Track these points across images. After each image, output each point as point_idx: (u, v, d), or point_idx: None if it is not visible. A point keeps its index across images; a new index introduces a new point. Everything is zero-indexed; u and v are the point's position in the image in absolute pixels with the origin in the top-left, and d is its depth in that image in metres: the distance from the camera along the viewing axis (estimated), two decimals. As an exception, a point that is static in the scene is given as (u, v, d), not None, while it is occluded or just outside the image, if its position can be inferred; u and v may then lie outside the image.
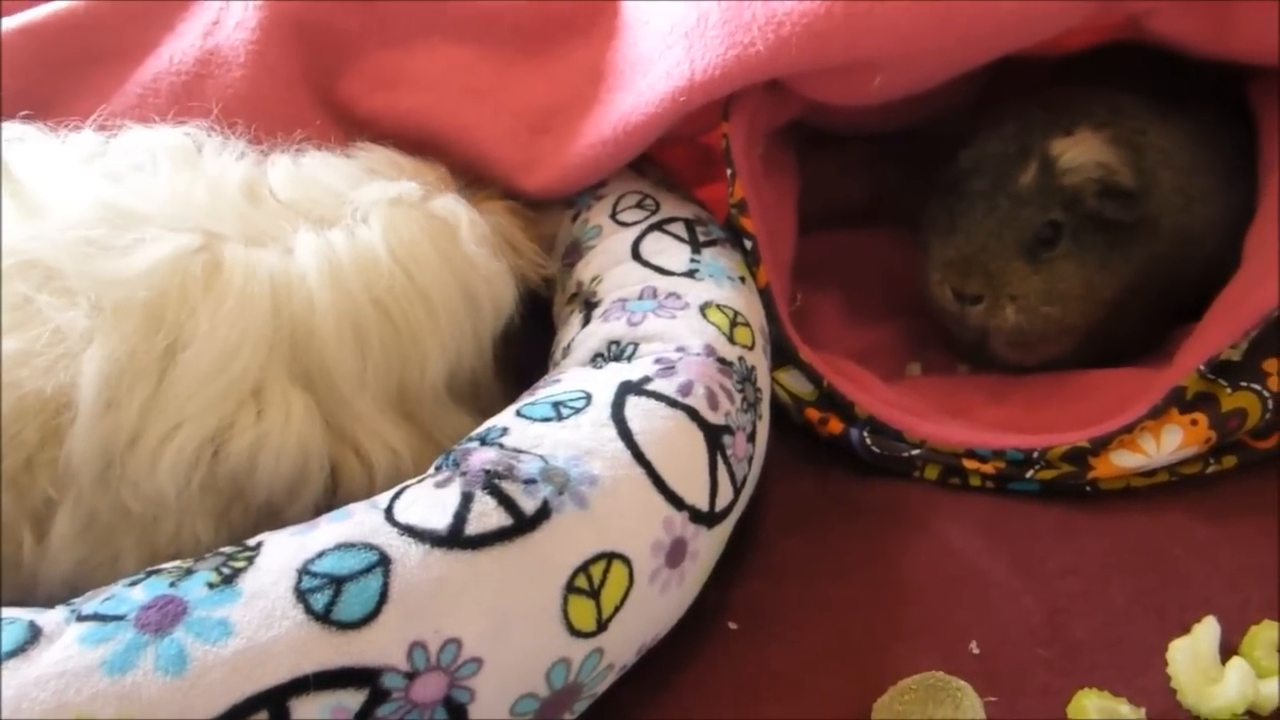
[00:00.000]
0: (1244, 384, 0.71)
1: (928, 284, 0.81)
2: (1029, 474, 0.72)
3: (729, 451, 0.62)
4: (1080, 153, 0.76)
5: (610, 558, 0.54)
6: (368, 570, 0.49)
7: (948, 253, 0.79)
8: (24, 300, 0.56)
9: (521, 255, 0.75)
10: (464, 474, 0.54)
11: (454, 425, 0.67)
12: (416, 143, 0.79)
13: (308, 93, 0.84)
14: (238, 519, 0.60)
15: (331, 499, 0.62)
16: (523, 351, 0.77)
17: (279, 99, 0.81)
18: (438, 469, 0.56)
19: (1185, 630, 0.62)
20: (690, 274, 0.72)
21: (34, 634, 0.47)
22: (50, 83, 0.74)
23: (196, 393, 0.57)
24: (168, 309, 0.57)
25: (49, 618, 0.48)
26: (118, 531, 0.58)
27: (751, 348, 0.68)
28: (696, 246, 0.75)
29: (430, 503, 0.53)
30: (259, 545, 0.52)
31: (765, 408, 0.69)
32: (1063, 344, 0.80)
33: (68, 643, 0.46)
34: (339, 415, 0.62)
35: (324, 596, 0.48)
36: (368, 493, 0.59)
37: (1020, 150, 0.78)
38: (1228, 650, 0.61)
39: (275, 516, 0.61)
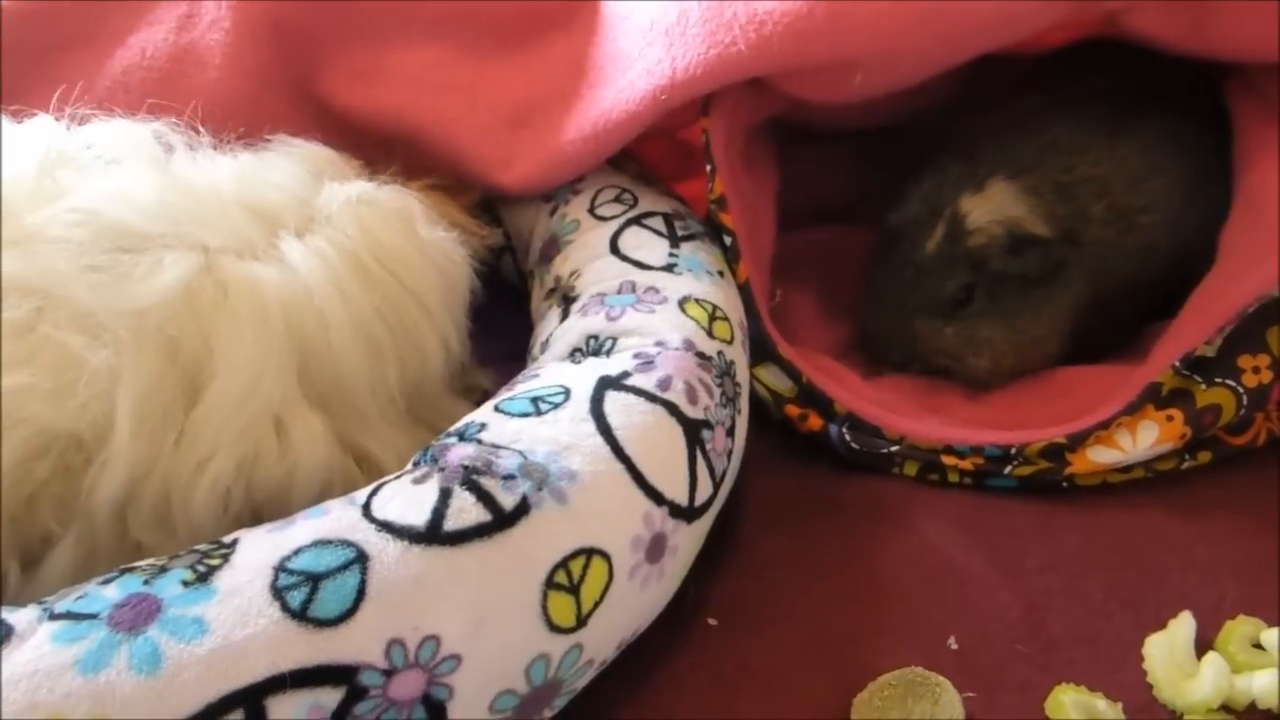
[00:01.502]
0: (1219, 380, 0.72)
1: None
2: (1007, 470, 0.73)
3: (708, 446, 0.61)
4: (986, 211, 0.77)
5: (590, 553, 0.54)
6: (345, 567, 0.49)
7: (868, 323, 0.82)
8: (41, 335, 0.54)
9: (464, 229, 0.74)
10: (442, 470, 0.54)
11: (455, 414, 0.65)
12: (395, 137, 0.79)
13: (285, 92, 0.83)
14: None
15: None
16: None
17: (255, 99, 0.80)
18: (416, 465, 0.56)
19: (1161, 625, 0.62)
20: (669, 268, 0.72)
21: (6, 632, 0.46)
22: (14, 70, 0.72)
23: (225, 425, 0.56)
24: (184, 338, 0.56)
25: (21, 616, 0.47)
26: (116, 565, 0.56)
27: (730, 342, 0.68)
28: (675, 241, 0.75)
29: (408, 499, 0.52)
30: (234, 543, 0.51)
31: (744, 402, 0.69)
32: (1025, 365, 0.80)
33: (40, 641, 0.45)
34: (351, 429, 0.62)
35: (301, 594, 0.48)
36: None
37: (929, 214, 0.79)
38: (1203, 645, 0.61)
39: None
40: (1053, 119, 0.82)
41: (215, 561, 0.49)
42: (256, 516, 0.59)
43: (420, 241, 0.66)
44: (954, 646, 0.62)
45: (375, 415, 0.62)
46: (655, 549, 0.57)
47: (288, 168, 0.67)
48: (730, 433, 0.65)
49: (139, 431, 0.54)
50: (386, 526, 0.51)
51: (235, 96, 0.79)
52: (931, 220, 0.79)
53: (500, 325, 0.78)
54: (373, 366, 0.62)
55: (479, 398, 0.70)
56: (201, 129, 0.67)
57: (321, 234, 0.63)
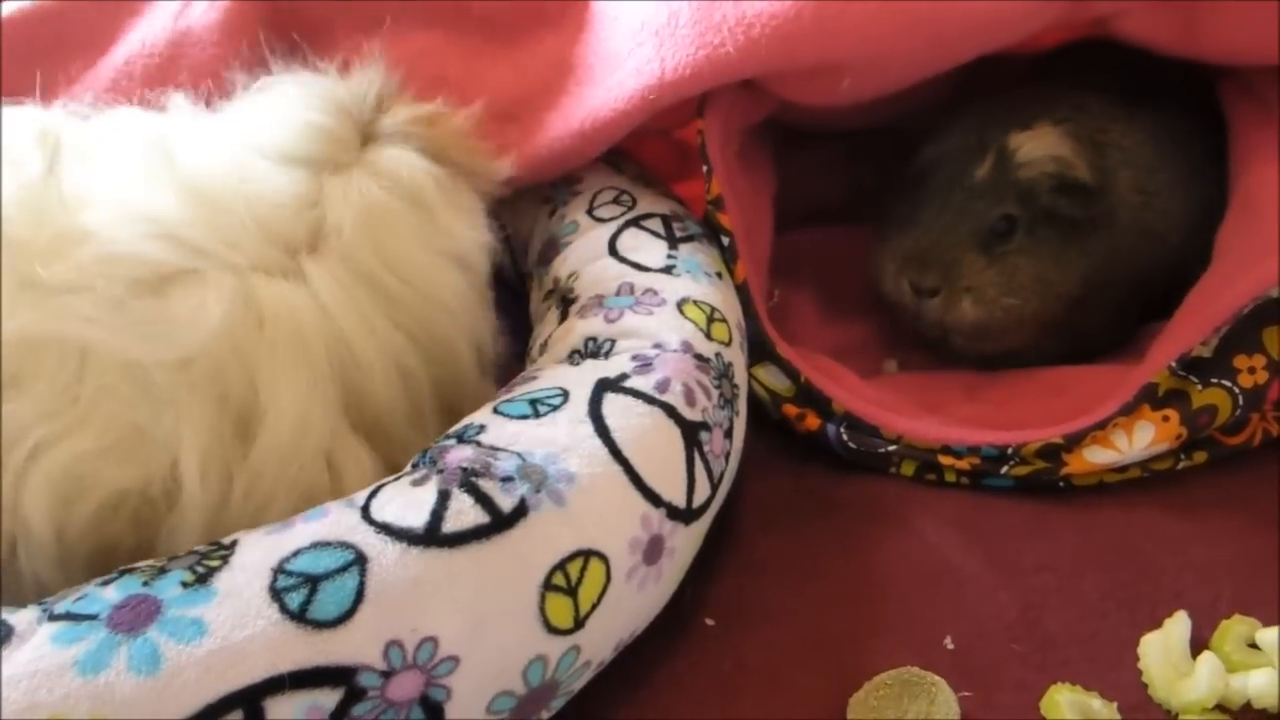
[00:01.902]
0: (1214, 380, 0.72)
1: (884, 278, 0.82)
2: (1004, 470, 0.73)
3: (706, 448, 0.62)
4: (1036, 146, 0.77)
5: (587, 555, 0.54)
6: (344, 569, 0.49)
7: (905, 245, 0.80)
8: (90, 393, 0.51)
9: (477, 174, 0.70)
10: (441, 472, 0.54)
11: (490, 397, 0.64)
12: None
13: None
14: None
15: None
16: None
17: (252, 74, 0.80)
18: (414, 466, 0.56)
19: (1157, 625, 0.62)
20: (667, 270, 0.72)
21: (6, 633, 0.46)
22: (24, 79, 0.73)
23: (281, 472, 0.55)
24: (230, 378, 0.54)
25: (21, 617, 0.47)
26: None
27: (729, 344, 0.68)
28: (673, 242, 0.75)
29: (407, 501, 0.52)
30: (234, 544, 0.51)
31: (742, 404, 0.69)
32: (1021, 333, 0.80)
33: (40, 642, 0.45)
34: (393, 454, 0.60)
35: (299, 595, 0.48)
36: None
37: (979, 144, 0.79)
38: (1199, 645, 0.61)
39: None
40: (1077, 90, 0.83)
41: (214, 563, 0.50)
42: None
43: (433, 238, 0.63)
44: (950, 646, 0.63)
45: (416, 436, 0.61)
46: (653, 551, 0.57)
47: (288, 150, 0.62)
48: (728, 434, 0.65)
49: (206, 485, 0.53)
50: (385, 528, 0.51)
51: (232, 73, 0.79)
52: (980, 150, 0.78)
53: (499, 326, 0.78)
54: (406, 394, 0.61)
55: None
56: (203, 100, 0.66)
57: (334, 254, 0.59)
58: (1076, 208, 0.77)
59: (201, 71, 0.78)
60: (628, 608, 0.57)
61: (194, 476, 0.53)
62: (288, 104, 0.64)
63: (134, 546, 0.54)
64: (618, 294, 0.70)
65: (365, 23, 0.86)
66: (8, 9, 0.86)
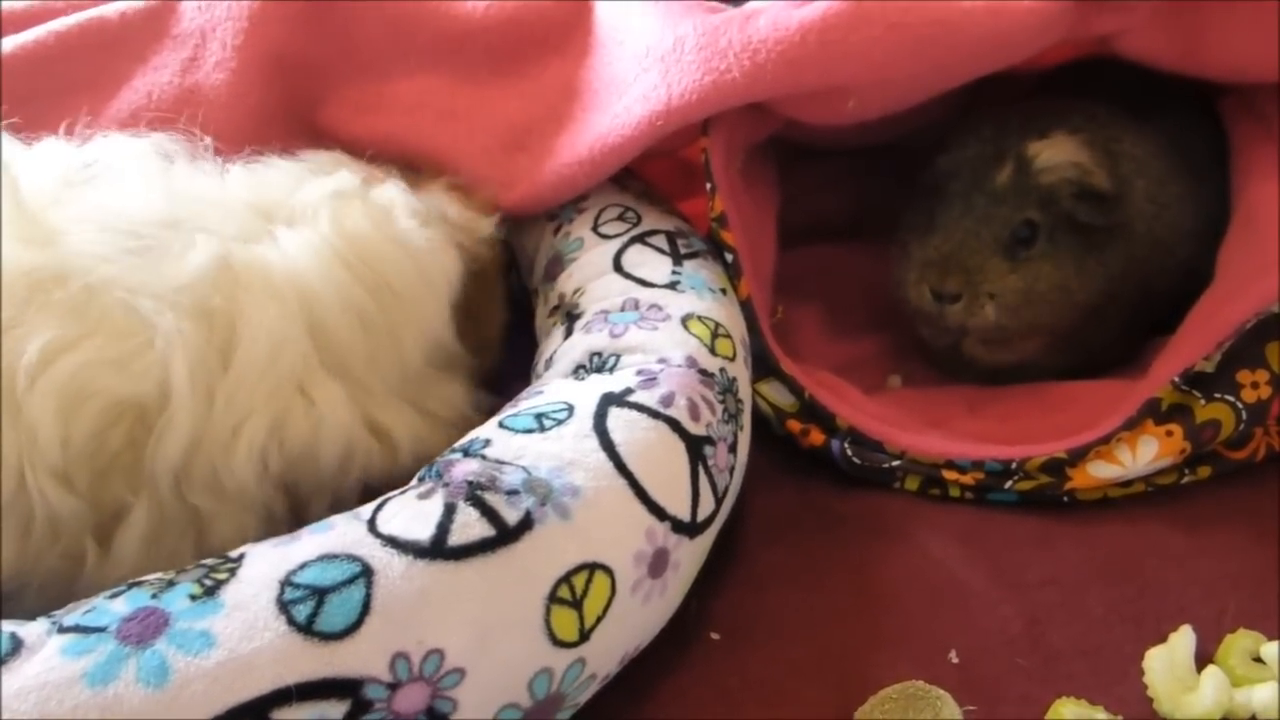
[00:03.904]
0: (1218, 395, 0.72)
1: (904, 286, 0.82)
2: (1007, 485, 0.73)
3: (710, 462, 0.62)
4: (1056, 153, 0.77)
5: (592, 568, 0.54)
6: (350, 581, 0.49)
7: (926, 252, 0.80)
8: (101, 306, 0.57)
9: (458, 226, 0.75)
10: (447, 485, 0.54)
11: (446, 394, 0.69)
12: (399, 165, 0.80)
13: (288, 125, 0.86)
14: (280, 512, 0.63)
15: (358, 486, 0.64)
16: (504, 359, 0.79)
17: (259, 134, 0.82)
18: (421, 480, 0.56)
19: (1162, 639, 0.62)
20: (672, 286, 0.73)
21: (15, 645, 0.46)
22: (25, 114, 0.74)
23: (257, 386, 0.60)
24: (218, 309, 0.60)
25: (30, 629, 0.48)
26: (179, 533, 0.60)
27: (733, 359, 0.69)
28: (678, 259, 0.76)
29: (413, 514, 0.53)
30: (241, 557, 0.52)
31: (746, 419, 0.69)
32: (1036, 342, 0.80)
33: (49, 654, 0.46)
34: (363, 400, 0.64)
35: (306, 608, 0.48)
36: (392, 470, 0.64)
37: (996, 152, 0.79)
38: (1203, 659, 0.61)
39: (305, 509, 0.63)
40: (1086, 102, 0.83)
41: (222, 575, 0.50)
42: (292, 478, 0.62)
43: (394, 233, 0.68)
44: (955, 660, 0.63)
45: (379, 388, 0.65)
46: (658, 564, 0.57)
47: (291, 169, 0.71)
48: (732, 449, 0.65)
49: (195, 394, 0.57)
50: (391, 541, 0.51)
51: (241, 134, 0.81)
52: (998, 158, 0.78)
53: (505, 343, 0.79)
54: (365, 341, 0.65)
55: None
56: (199, 134, 0.70)
57: (305, 226, 0.66)
58: (1096, 215, 0.77)
59: (207, 131, 0.78)
60: (633, 621, 0.57)
61: (184, 384, 0.57)
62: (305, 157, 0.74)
63: (130, 464, 0.58)
64: (622, 309, 0.71)
65: (373, 66, 0.87)
66: (7, 44, 0.87)
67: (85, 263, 0.58)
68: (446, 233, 0.73)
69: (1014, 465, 0.72)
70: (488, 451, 0.57)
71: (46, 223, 0.59)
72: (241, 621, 0.47)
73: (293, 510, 0.64)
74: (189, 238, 0.61)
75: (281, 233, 0.65)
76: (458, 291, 0.72)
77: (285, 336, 0.61)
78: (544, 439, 0.58)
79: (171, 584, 0.50)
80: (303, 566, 0.50)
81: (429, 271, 0.69)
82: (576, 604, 0.53)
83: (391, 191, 0.71)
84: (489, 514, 0.53)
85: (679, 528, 0.59)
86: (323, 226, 0.65)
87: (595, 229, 0.80)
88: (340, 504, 0.61)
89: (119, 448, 0.57)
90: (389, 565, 0.50)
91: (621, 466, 0.57)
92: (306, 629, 0.48)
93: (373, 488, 0.63)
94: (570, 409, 0.60)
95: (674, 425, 0.61)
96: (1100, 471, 0.72)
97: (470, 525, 0.52)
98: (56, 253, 0.58)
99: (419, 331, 0.68)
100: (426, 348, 0.69)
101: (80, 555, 0.58)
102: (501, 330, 0.82)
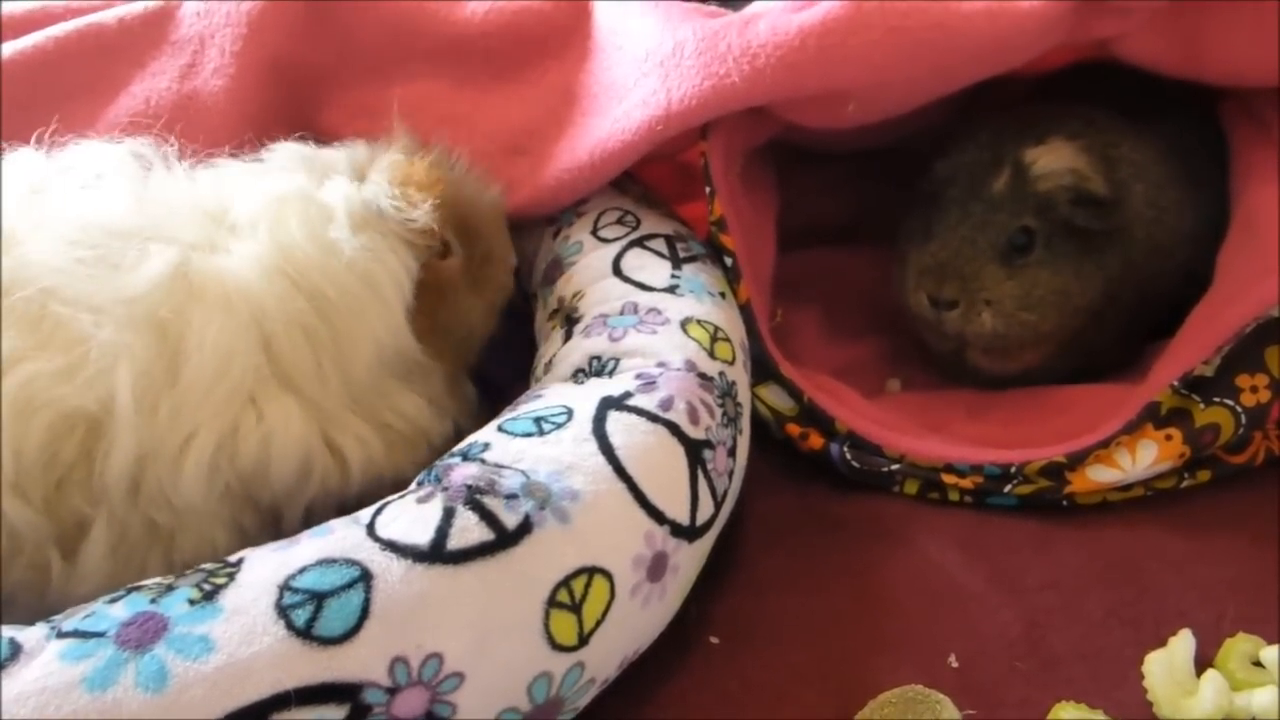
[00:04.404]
0: (1217, 399, 0.72)
1: (904, 293, 0.82)
2: (1007, 489, 0.73)
3: (710, 466, 0.62)
4: (1053, 159, 0.77)
5: (592, 572, 0.54)
6: (349, 586, 0.49)
7: (923, 259, 0.80)
8: (51, 319, 0.57)
9: (398, 221, 0.69)
10: (446, 489, 0.54)
11: (403, 406, 0.67)
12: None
13: (289, 131, 0.84)
14: (250, 526, 0.62)
15: (324, 500, 0.63)
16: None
17: (257, 140, 0.81)
18: (420, 484, 0.56)
19: (1161, 643, 0.62)
20: (671, 289, 0.73)
21: (14, 650, 0.46)
22: (24, 120, 0.74)
23: (204, 399, 0.59)
24: (169, 321, 0.59)
25: (29, 634, 0.48)
26: (144, 546, 0.59)
27: (732, 363, 0.69)
28: (677, 262, 0.76)
29: (412, 518, 0.53)
30: (240, 562, 0.52)
31: (746, 422, 0.69)
32: (1039, 351, 0.80)
33: (48, 659, 0.46)
34: (315, 415, 0.63)
35: (305, 612, 0.48)
36: (344, 489, 0.63)
37: (993, 158, 0.79)
38: (1203, 663, 0.61)
39: (278, 522, 0.63)
40: (1084, 107, 0.83)
41: (221, 580, 0.50)
42: (252, 493, 0.62)
43: (330, 242, 0.65)
44: (954, 664, 0.63)
45: (329, 402, 0.64)
46: (657, 568, 0.57)
47: (248, 168, 0.70)
48: (732, 453, 0.65)
49: (140, 408, 0.57)
50: (390, 545, 0.51)
51: (239, 140, 0.80)
52: (995, 164, 0.78)
53: (504, 346, 0.79)
54: (311, 354, 0.63)
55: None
56: (174, 141, 0.69)
57: (247, 235, 0.64)
58: (1094, 220, 0.77)
59: (205, 137, 0.78)
60: (632, 625, 0.57)
61: (126, 397, 0.56)
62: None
63: (85, 478, 0.57)
64: (622, 313, 0.71)
65: (371, 71, 0.87)
66: (6, 49, 0.87)
67: (35, 272, 0.57)
68: (394, 230, 0.68)
69: (1013, 469, 0.72)
70: (487, 455, 0.58)
71: (8, 227, 0.59)
72: (240, 626, 0.48)
73: (265, 526, 0.63)
74: (144, 247, 0.60)
75: (234, 241, 0.64)
76: (410, 294, 0.68)
77: (233, 349, 0.60)
78: (543, 443, 0.58)
79: (170, 589, 0.50)
80: (302, 571, 0.50)
81: (373, 278, 0.66)
82: (576, 608, 0.53)
83: (336, 194, 0.67)
84: (488, 518, 0.53)
85: (678, 531, 0.59)
86: (261, 236, 0.64)
87: (594, 232, 0.80)
88: (313, 519, 0.60)
89: (73, 460, 0.57)
90: (388, 569, 0.50)
91: (620, 470, 0.58)
92: (305, 633, 0.48)
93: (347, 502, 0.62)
94: (569, 413, 0.61)
95: (673, 429, 0.61)
96: (1099, 475, 0.72)
97: (469, 529, 0.52)
98: (10, 261, 0.57)
99: (367, 341, 0.65)
100: (379, 357, 0.66)
101: (46, 566, 0.57)
102: (482, 317, 0.76)
